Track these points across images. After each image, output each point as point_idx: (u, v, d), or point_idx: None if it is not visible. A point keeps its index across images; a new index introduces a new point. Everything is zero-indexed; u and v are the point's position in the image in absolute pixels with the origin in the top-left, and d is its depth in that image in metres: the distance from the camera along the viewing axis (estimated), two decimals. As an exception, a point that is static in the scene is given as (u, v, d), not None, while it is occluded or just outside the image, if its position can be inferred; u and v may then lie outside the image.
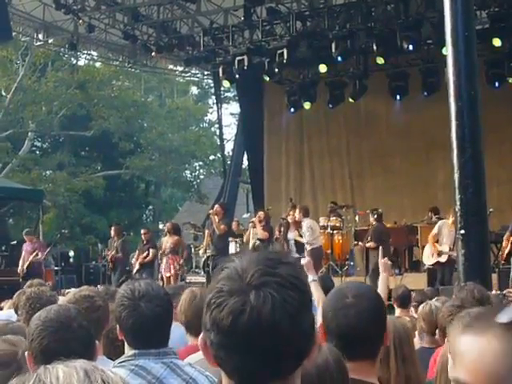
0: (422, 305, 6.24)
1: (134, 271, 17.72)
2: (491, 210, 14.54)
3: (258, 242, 16.43)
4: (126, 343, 3.45)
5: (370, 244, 16.66)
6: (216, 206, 16.98)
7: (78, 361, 1.40)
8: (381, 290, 6.11)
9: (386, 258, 6.13)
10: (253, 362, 1.58)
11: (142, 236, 18.65)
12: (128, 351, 3.39)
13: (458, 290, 5.55)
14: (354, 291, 2.99)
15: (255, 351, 1.57)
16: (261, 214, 16.96)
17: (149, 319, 3.36)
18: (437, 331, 5.32)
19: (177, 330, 5.09)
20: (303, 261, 5.98)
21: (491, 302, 5.39)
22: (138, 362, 3.29)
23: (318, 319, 3.08)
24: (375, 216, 16.98)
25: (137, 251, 18.48)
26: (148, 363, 3.30)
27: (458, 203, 7.15)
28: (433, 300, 6.23)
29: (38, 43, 24.89)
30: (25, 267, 17.70)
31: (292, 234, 16.81)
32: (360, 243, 17.71)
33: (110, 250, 19.61)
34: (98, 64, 35.80)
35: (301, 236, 16.40)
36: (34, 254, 17.80)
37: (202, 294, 4.65)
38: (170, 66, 28.93)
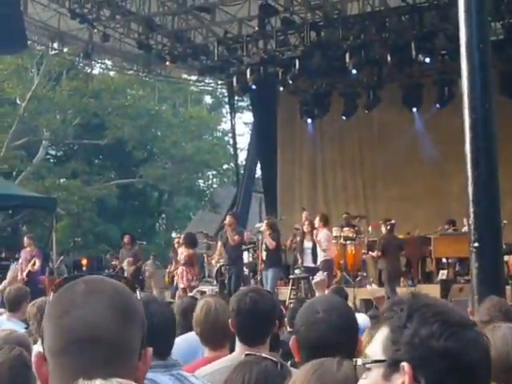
0: None
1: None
2: (505, 222, 14.48)
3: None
4: None
5: (375, 253, 16.83)
6: (228, 216, 16.91)
7: (117, 380, 1.48)
8: None
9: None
10: None
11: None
12: None
13: (480, 303, 5.46)
14: (325, 306, 3.08)
15: (479, 380, 1.68)
16: (266, 221, 16.79)
17: (150, 325, 3.33)
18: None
19: (185, 342, 5.09)
20: (319, 277, 5.94)
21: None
22: (148, 376, 3.27)
23: None
24: (388, 227, 17.01)
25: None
26: (158, 376, 3.29)
27: (471, 216, 7.12)
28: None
29: (53, 52, 24.97)
30: (24, 275, 17.60)
31: (309, 244, 16.75)
32: (370, 252, 17.72)
33: (123, 259, 19.68)
34: (112, 73, 35.98)
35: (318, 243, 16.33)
36: (32, 262, 17.71)
37: (217, 305, 4.63)
38: (184, 76, 28.98)
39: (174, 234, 42.22)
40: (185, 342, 5.13)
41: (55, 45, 23.59)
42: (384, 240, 16.71)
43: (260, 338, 3.92)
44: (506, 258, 13.35)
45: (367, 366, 1.74)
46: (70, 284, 1.76)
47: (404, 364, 1.66)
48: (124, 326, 1.70)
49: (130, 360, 1.72)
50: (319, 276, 6.07)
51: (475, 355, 1.63)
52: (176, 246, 19.00)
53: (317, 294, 5.53)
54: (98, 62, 26.94)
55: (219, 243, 17.61)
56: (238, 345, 4.00)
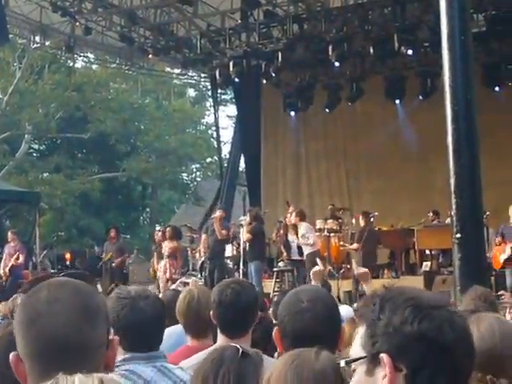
0: None
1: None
2: (488, 213, 14.58)
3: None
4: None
5: (353, 246, 16.84)
6: (219, 210, 16.92)
7: (97, 374, 1.54)
8: None
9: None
10: (455, 368, 1.65)
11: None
12: (119, 356, 3.37)
13: (464, 293, 5.44)
14: (309, 295, 3.09)
15: (460, 359, 1.65)
16: (250, 213, 16.88)
17: (148, 318, 3.35)
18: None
19: (169, 336, 5.07)
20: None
21: (496, 304, 5.33)
22: (128, 367, 3.28)
23: None
24: (371, 219, 17.08)
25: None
26: (138, 367, 3.29)
27: (454, 207, 7.14)
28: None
29: (35, 45, 24.82)
30: (7, 270, 17.66)
31: (293, 237, 16.76)
32: (347, 245, 17.69)
33: (107, 252, 19.64)
34: (94, 66, 35.86)
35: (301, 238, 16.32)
36: (15, 256, 17.73)
37: (200, 294, 4.64)
38: (167, 69, 28.92)
39: (158, 228, 42.19)
40: (169, 335, 5.11)
41: (37, 38, 23.42)
42: (367, 233, 16.74)
43: (241, 330, 3.92)
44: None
45: (353, 366, 1.74)
46: (35, 290, 1.88)
47: (382, 355, 1.65)
48: (89, 326, 1.82)
49: (99, 353, 1.84)
50: (361, 269, 5.93)
51: (452, 335, 1.62)
52: (157, 239, 18.95)
53: (365, 287, 5.50)
54: (80, 56, 26.84)
55: (203, 236, 17.60)
56: (220, 336, 4.00)
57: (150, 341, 3.41)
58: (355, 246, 16.87)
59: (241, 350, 2.67)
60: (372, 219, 17.26)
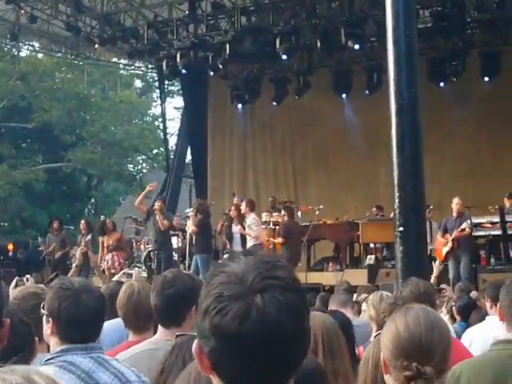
0: (372, 294, 6.24)
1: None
2: (431, 207, 14.76)
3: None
4: (53, 340, 3.39)
5: (278, 240, 16.80)
6: (157, 201, 16.81)
7: (19, 370, 1.36)
8: None
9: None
10: (257, 366, 1.55)
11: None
12: (55, 348, 3.34)
13: (402, 285, 5.51)
14: None
15: (260, 355, 1.54)
16: (196, 205, 16.86)
17: (90, 310, 3.32)
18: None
19: (111, 329, 5.03)
20: None
21: (433, 296, 5.39)
22: (66, 358, 3.25)
23: None
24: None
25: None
26: (76, 358, 3.26)
27: (396, 200, 7.20)
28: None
29: (-21, 33, 24.42)
30: None
31: (237, 228, 16.74)
32: (271, 239, 17.57)
33: (50, 244, 19.40)
34: (40, 55, 35.38)
35: (245, 229, 16.32)
36: None
37: (140, 288, 4.62)
38: (114, 59, 28.65)
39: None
40: (111, 327, 5.07)
41: (-20, 26, 23.08)
42: (285, 226, 16.76)
43: (174, 320, 3.88)
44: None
45: None
46: None
47: (195, 342, 1.62)
48: None
49: None
50: None
51: (244, 328, 1.51)
52: (83, 231, 18.67)
53: None
54: (25, 44, 26.47)
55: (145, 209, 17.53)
56: (159, 327, 4.00)
57: (89, 334, 3.39)
58: (280, 240, 16.77)
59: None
60: (317, 212, 17.31)
